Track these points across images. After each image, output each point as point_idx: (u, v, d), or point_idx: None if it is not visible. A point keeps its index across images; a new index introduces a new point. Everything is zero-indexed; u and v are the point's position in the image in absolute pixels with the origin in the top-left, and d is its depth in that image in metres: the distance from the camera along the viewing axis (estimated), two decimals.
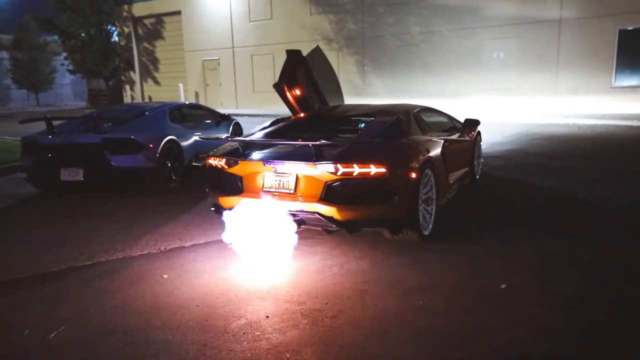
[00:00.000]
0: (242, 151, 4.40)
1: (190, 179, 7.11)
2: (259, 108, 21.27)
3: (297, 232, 4.13)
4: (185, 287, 3.61)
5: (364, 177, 3.85)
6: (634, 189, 6.00)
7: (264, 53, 21.95)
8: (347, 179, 3.86)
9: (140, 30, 26.75)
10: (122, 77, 27.95)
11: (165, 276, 3.82)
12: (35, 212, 6.09)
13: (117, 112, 7.70)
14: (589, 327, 2.89)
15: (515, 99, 16.35)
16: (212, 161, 4.45)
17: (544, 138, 10.54)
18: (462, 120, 6.28)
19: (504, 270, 3.71)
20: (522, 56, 16.39)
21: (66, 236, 4.96)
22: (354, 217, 3.96)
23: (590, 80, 15.28)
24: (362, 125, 5.53)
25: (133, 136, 6.37)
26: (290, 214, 4.02)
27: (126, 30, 26.96)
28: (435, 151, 4.65)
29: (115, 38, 27.36)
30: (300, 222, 4.07)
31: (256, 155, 4.31)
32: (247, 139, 4.81)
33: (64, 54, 27.75)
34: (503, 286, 3.42)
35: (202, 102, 23.77)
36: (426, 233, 4.31)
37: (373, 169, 3.83)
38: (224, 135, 6.99)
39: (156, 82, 26.94)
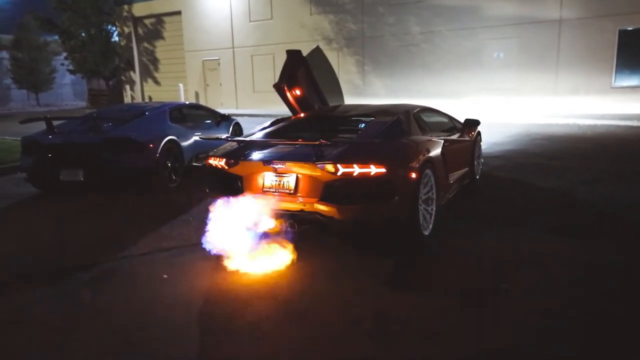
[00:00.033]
0: (242, 151, 4.40)
1: (191, 179, 7.11)
2: (259, 108, 21.27)
3: (297, 232, 4.14)
4: (185, 288, 3.61)
5: (364, 177, 3.84)
6: (634, 189, 6.00)
7: (264, 53, 21.94)
8: (347, 179, 3.85)
9: (140, 30, 26.75)
10: (122, 77, 27.94)
11: (165, 276, 3.82)
12: (35, 213, 6.09)
13: (117, 112, 7.69)
14: (589, 327, 2.89)
15: (516, 99, 16.35)
16: (212, 161, 4.45)
17: (544, 138, 10.54)
18: (462, 121, 6.28)
19: (505, 270, 3.71)
20: (522, 56, 16.39)
21: (65, 236, 4.96)
22: (354, 217, 3.96)
23: (590, 81, 15.28)
24: (362, 125, 5.53)
25: (133, 136, 6.37)
26: (291, 214, 4.02)
27: (126, 30, 26.95)
28: (436, 151, 4.65)
29: (116, 38, 27.35)
30: (300, 222, 4.07)
31: (256, 155, 4.31)
32: (247, 139, 4.81)
33: (64, 54, 27.73)
34: (504, 286, 3.42)
35: (202, 102, 23.77)
36: (426, 233, 4.31)
37: (373, 169, 3.83)
38: (224, 136, 6.97)
39: (156, 82, 26.93)
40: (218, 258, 4.14)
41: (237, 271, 3.85)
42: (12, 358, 2.82)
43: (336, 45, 20.15)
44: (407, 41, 18.58)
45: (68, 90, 40.29)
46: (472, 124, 6.13)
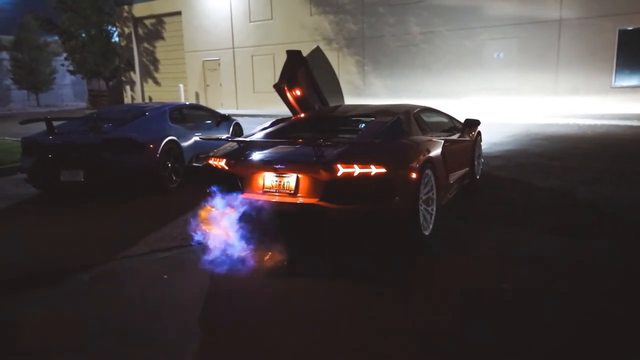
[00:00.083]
0: (242, 152, 4.40)
1: (191, 179, 7.11)
2: (259, 108, 21.28)
3: (297, 233, 4.14)
4: (185, 288, 3.61)
5: (364, 177, 3.84)
6: (634, 189, 6.00)
7: (264, 53, 21.95)
8: (347, 179, 3.85)
9: (140, 31, 26.77)
10: (123, 78, 27.96)
11: (166, 276, 3.82)
12: (35, 213, 6.09)
13: (117, 112, 7.69)
14: (589, 327, 2.89)
15: (516, 99, 16.35)
16: (213, 162, 4.45)
17: (544, 138, 10.54)
18: (462, 121, 6.29)
19: (505, 270, 3.71)
20: (522, 56, 16.39)
21: (66, 236, 4.96)
22: (354, 218, 3.96)
23: (590, 81, 15.28)
24: (363, 125, 5.53)
25: (133, 137, 6.37)
26: (291, 214, 4.02)
27: (126, 30, 26.97)
28: (436, 151, 4.65)
29: (116, 38, 27.37)
30: (300, 222, 4.07)
31: (256, 155, 4.31)
32: (248, 139, 4.81)
33: (65, 55, 27.76)
34: (504, 286, 3.42)
35: (202, 102, 23.79)
36: (426, 233, 4.31)
37: (373, 169, 3.83)
38: (224, 136, 6.97)
39: (156, 82, 26.95)
40: (218, 258, 4.14)
41: (237, 271, 3.85)
42: (12, 358, 2.82)
43: (336, 45, 20.16)
44: (407, 41, 18.58)
45: (68, 90, 40.31)
46: (473, 124, 6.13)
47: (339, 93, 7.92)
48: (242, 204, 4.20)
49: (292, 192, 4.02)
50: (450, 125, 6.10)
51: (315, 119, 5.82)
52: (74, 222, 5.49)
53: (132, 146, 6.34)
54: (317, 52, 8.00)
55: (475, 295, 3.33)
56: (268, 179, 4.14)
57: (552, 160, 8.07)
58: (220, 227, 4.79)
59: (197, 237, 4.73)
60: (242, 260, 4.01)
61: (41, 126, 6.79)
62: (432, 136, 5.02)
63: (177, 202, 6.10)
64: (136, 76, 27.36)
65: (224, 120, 8.79)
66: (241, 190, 4.24)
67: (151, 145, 6.47)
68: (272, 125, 5.44)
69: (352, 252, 4.19)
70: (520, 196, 5.94)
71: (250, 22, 22.39)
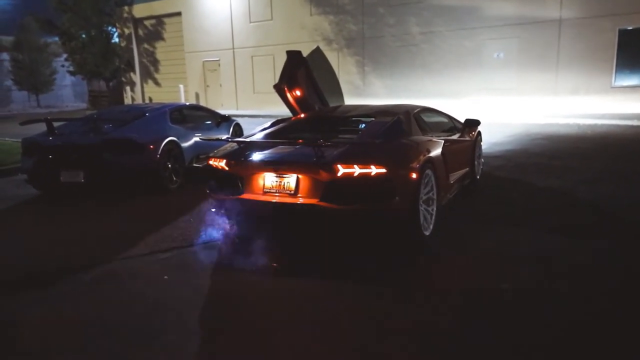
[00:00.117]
0: (242, 152, 4.40)
1: (191, 180, 7.11)
2: (259, 109, 21.29)
3: (297, 233, 4.14)
4: (185, 288, 3.61)
5: (364, 177, 3.84)
6: (634, 189, 6.00)
7: (264, 54, 21.96)
8: (347, 179, 3.85)
9: (140, 32, 26.78)
10: (123, 79, 27.97)
11: (166, 277, 3.82)
12: (35, 214, 6.09)
13: (117, 113, 7.70)
14: (589, 327, 2.89)
15: (516, 99, 16.35)
16: (213, 162, 4.45)
17: (544, 138, 10.54)
18: (462, 121, 6.29)
19: (505, 270, 3.71)
20: (522, 56, 16.39)
21: (66, 236, 4.96)
22: (354, 218, 3.97)
23: (590, 80, 15.28)
24: (363, 125, 5.53)
25: (134, 137, 6.38)
26: (291, 214, 4.02)
27: (127, 31, 26.99)
28: (436, 151, 4.65)
29: (116, 39, 27.39)
30: (300, 222, 4.07)
31: (256, 156, 4.31)
32: (248, 140, 4.81)
33: (65, 55, 27.79)
34: (504, 286, 3.42)
35: (202, 103, 23.80)
36: (427, 233, 4.31)
37: (374, 170, 3.83)
38: (224, 136, 6.99)
39: (156, 83, 26.96)
40: (218, 258, 4.15)
41: (237, 271, 3.86)
42: (12, 358, 2.82)
43: (336, 45, 20.16)
44: (407, 41, 18.59)
45: (68, 91, 40.34)
46: (473, 124, 6.13)
47: (339, 93, 7.92)
48: (243, 205, 4.20)
49: (292, 192, 4.02)
50: (450, 125, 6.10)
51: (315, 120, 5.82)
52: (74, 222, 5.49)
53: (133, 147, 6.34)
54: (317, 52, 8.00)
55: (475, 295, 3.33)
56: (268, 179, 4.14)
57: (552, 160, 8.07)
58: (221, 227, 4.80)
59: (198, 237, 4.73)
60: (242, 261, 4.01)
61: (41, 127, 6.80)
62: (432, 136, 5.02)
63: (177, 203, 6.10)
64: (136, 77, 27.37)
65: (224, 120, 8.79)
66: (241, 190, 4.24)
67: (151, 146, 6.47)
68: (272, 125, 5.44)
69: (352, 252, 4.20)
70: (520, 196, 5.94)
71: (250, 22, 22.40)
